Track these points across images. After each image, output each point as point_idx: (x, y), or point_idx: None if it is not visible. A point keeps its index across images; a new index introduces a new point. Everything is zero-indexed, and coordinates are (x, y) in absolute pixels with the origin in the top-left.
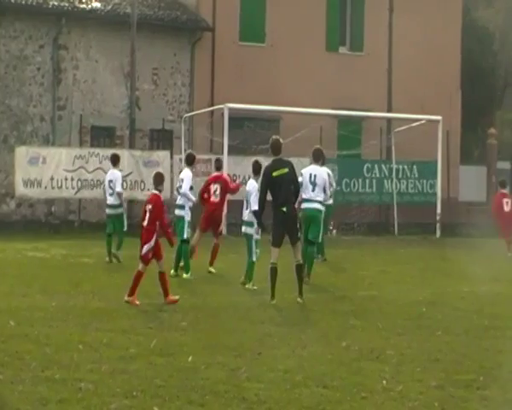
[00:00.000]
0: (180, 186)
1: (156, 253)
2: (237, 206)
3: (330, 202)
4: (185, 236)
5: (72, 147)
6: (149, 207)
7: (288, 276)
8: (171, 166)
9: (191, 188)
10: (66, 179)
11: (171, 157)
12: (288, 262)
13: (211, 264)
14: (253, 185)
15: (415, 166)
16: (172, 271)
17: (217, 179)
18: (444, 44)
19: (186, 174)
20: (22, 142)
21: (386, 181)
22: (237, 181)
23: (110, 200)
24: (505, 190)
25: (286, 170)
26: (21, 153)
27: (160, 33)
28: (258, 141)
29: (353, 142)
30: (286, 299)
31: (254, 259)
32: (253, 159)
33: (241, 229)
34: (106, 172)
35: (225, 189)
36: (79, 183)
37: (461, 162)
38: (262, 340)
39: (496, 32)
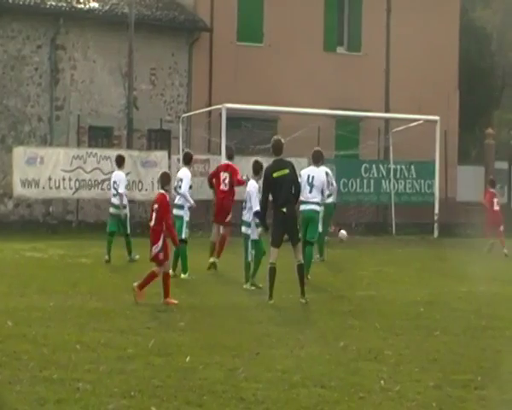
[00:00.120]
0: (179, 186)
1: (152, 257)
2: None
3: (330, 200)
4: (183, 236)
5: (69, 147)
6: (156, 206)
7: (287, 276)
8: (169, 166)
9: (190, 187)
10: (63, 179)
11: (169, 157)
12: (287, 263)
13: (218, 255)
14: (253, 186)
15: (413, 167)
16: (170, 271)
17: (227, 168)
18: (441, 45)
19: (185, 174)
20: (20, 142)
21: (384, 181)
22: (243, 177)
23: (114, 200)
24: (494, 190)
25: (286, 171)
26: (19, 153)
27: (158, 33)
28: (255, 141)
29: (351, 142)
30: (284, 299)
31: (249, 259)
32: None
33: (239, 229)
34: (104, 173)
35: (233, 177)
36: (77, 183)
37: (459, 162)
38: (260, 340)
39: (493, 32)
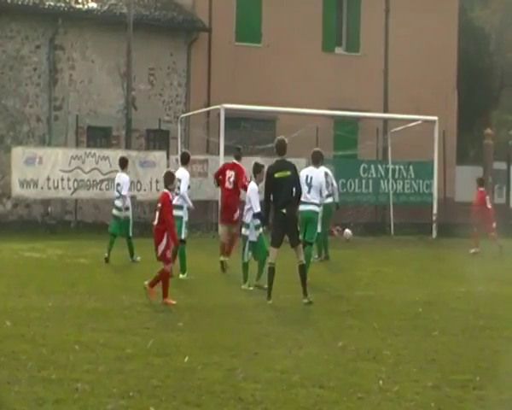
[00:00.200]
0: (178, 187)
1: (159, 256)
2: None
3: (329, 200)
4: (182, 236)
5: (68, 147)
6: (159, 205)
7: (286, 276)
8: (168, 166)
9: (188, 187)
10: (62, 180)
11: (168, 157)
12: (286, 263)
13: (227, 254)
14: (253, 188)
15: (411, 167)
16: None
17: (233, 167)
18: (440, 45)
19: (183, 174)
20: (18, 142)
21: (382, 181)
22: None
23: (117, 203)
24: (484, 188)
25: (288, 173)
26: (18, 153)
27: (157, 34)
28: (254, 141)
29: (350, 142)
30: (282, 299)
31: (246, 260)
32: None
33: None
34: (102, 173)
35: (238, 178)
36: (76, 183)
37: (457, 163)
38: (259, 340)
39: (492, 32)
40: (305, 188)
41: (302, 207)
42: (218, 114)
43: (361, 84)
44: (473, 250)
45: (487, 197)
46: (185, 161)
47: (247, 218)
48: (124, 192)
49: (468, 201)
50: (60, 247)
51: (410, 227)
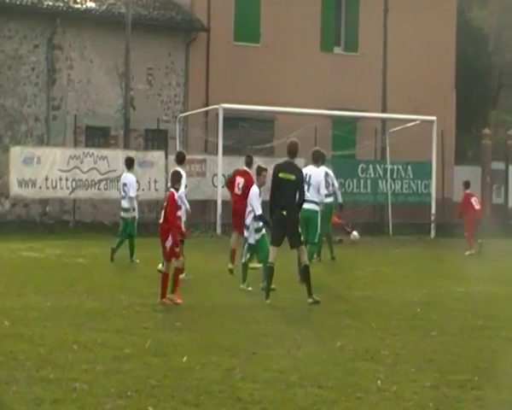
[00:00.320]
0: None
1: (167, 253)
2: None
3: (328, 200)
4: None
5: (66, 147)
6: (164, 204)
7: (284, 277)
8: (166, 166)
9: (185, 187)
10: (60, 179)
11: (166, 157)
12: (285, 263)
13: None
14: (255, 190)
15: (409, 167)
16: (160, 265)
17: (243, 175)
18: (438, 45)
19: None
20: (17, 142)
21: (380, 181)
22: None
23: (123, 203)
24: (470, 191)
25: (292, 177)
26: (16, 153)
27: (155, 33)
28: (252, 141)
29: (348, 142)
30: (281, 299)
31: (243, 260)
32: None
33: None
34: (100, 173)
35: (247, 186)
36: (74, 183)
37: (455, 163)
38: (257, 340)
39: (490, 32)
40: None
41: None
42: (217, 114)
43: (359, 84)
44: (467, 253)
45: (474, 198)
46: (180, 160)
47: (248, 220)
48: (131, 194)
49: None
50: (58, 246)
51: (409, 227)
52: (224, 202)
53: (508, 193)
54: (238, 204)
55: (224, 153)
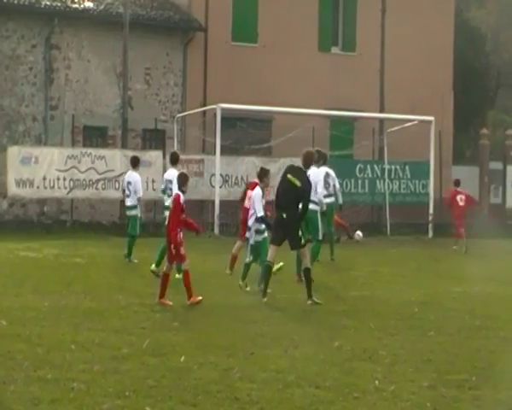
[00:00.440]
0: (170, 188)
1: (172, 256)
2: (229, 207)
3: (328, 200)
4: None
5: (64, 147)
6: (171, 206)
7: (282, 277)
8: (164, 166)
9: None
10: (58, 179)
11: (164, 157)
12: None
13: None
14: (257, 192)
15: (407, 167)
16: (154, 266)
17: (255, 187)
18: (436, 45)
19: (174, 175)
20: (14, 142)
21: (378, 181)
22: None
23: (127, 201)
24: (459, 189)
25: (298, 184)
26: (14, 153)
27: (153, 33)
28: (250, 141)
29: (346, 142)
30: (279, 299)
31: (247, 261)
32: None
33: (232, 229)
34: (98, 173)
35: None
36: (71, 183)
37: (453, 163)
38: (254, 340)
39: (488, 32)
40: None
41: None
42: (215, 114)
43: (357, 84)
44: (455, 247)
45: (458, 196)
46: (174, 161)
47: (250, 221)
48: (138, 194)
49: None
50: (55, 246)
51: (407, 227)
52: (221, 202)
53: (505, 193)
54: (246, 215)
55: (222, 153)
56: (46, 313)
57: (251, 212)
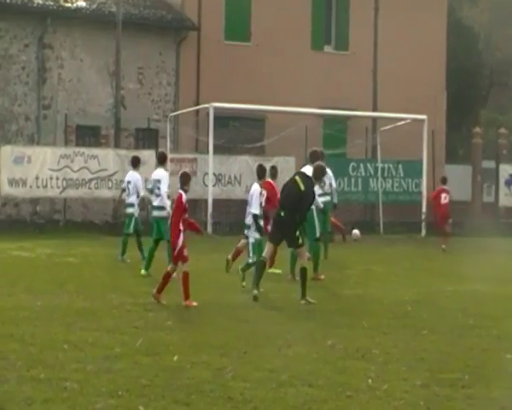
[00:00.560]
0: (158, 187)
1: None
2: (222, 205)
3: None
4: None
5: (57, 146)
6: (174, 206)
7: (276, 276)
8: (156, 165)
9: (168, 186)
10: (51, 179)
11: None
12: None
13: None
14: (255, 189)
15: (400, 166)
16: (143, 271)
17: (268, 187)
18: (429, 44)
19: (162, 174)
20: (7, 141)
21: (371, 180)
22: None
23: (127, 200)
24: (445, 187)
25: (302, 188)
26: (6, 152)
27: (146, 32)
28: (243, 140)
29: (339, 141)
30: (272, 298)
31: (250, 261)
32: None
33: (225, 228)
34: (91, 172)
35: (272, 197)
36: (64, 182)
37: (446, 161)
38: (248, 339)
39: (481, 31)
40: None
41: None
42: (208, 113)
43: (350, 83)
44: (443, 246)
45: (443, 194)
46: (162, 160)
47: (249, 219)
48: (142, 193)
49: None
50: (48, 246)
51: (400, 226)
52: (214, 201)
53: (498, 192)
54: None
55: (215, 152)
56: (39, 313)
57: (249, 209)
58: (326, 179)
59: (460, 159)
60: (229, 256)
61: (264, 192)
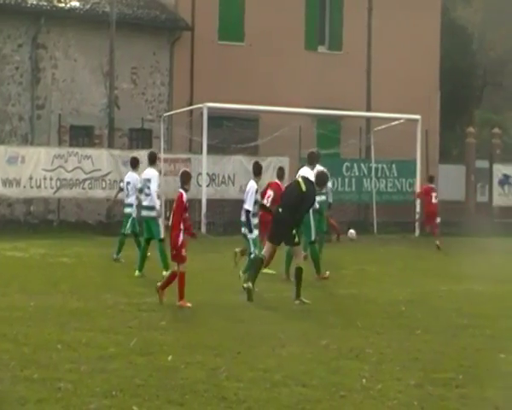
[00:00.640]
0: (148, 187)
1: (173, 256)
2: (215, 205)
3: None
4: (162, 235)
5: (50, 146)
6: (174, 205)
7: (272, 276)
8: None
9: (158, 186)
10: (44, 179)
11: None
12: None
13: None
14: (251, 186)
15: (394, 165)
16: (137, 272)
17: (275, 187)
18: (423, 44)
19: (152, 174)
20: (1, 141)
21: (365, 180)
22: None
23: (125, 200)
24: (433, 185)
25: (304, 189)
26: (0, 152)
27: (139, 32)
28: (237, 140)
29: (332, 141)
30: (266, 298)
31: (252, 257)
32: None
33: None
34: (85, 172)
35: (276, 199)
36: (58, 182)
37: (440, 161)
38: (241, 339)
39: (474, 31)
40: None
41: None
42: (201, 113)
43: (344, 83)
44: (437, 242)
45: (433, 193)
46: (152, 160)
47: (244, 217)
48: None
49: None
50: (42, 246)
51: (393, 226)
52: (208, 201)
53: (492, 191)
54: (266, 216)
55: (209, 152)
56: (33, 313)
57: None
58: None
59: (454, 159)
60: (237, 249)
61: (271, 193)
